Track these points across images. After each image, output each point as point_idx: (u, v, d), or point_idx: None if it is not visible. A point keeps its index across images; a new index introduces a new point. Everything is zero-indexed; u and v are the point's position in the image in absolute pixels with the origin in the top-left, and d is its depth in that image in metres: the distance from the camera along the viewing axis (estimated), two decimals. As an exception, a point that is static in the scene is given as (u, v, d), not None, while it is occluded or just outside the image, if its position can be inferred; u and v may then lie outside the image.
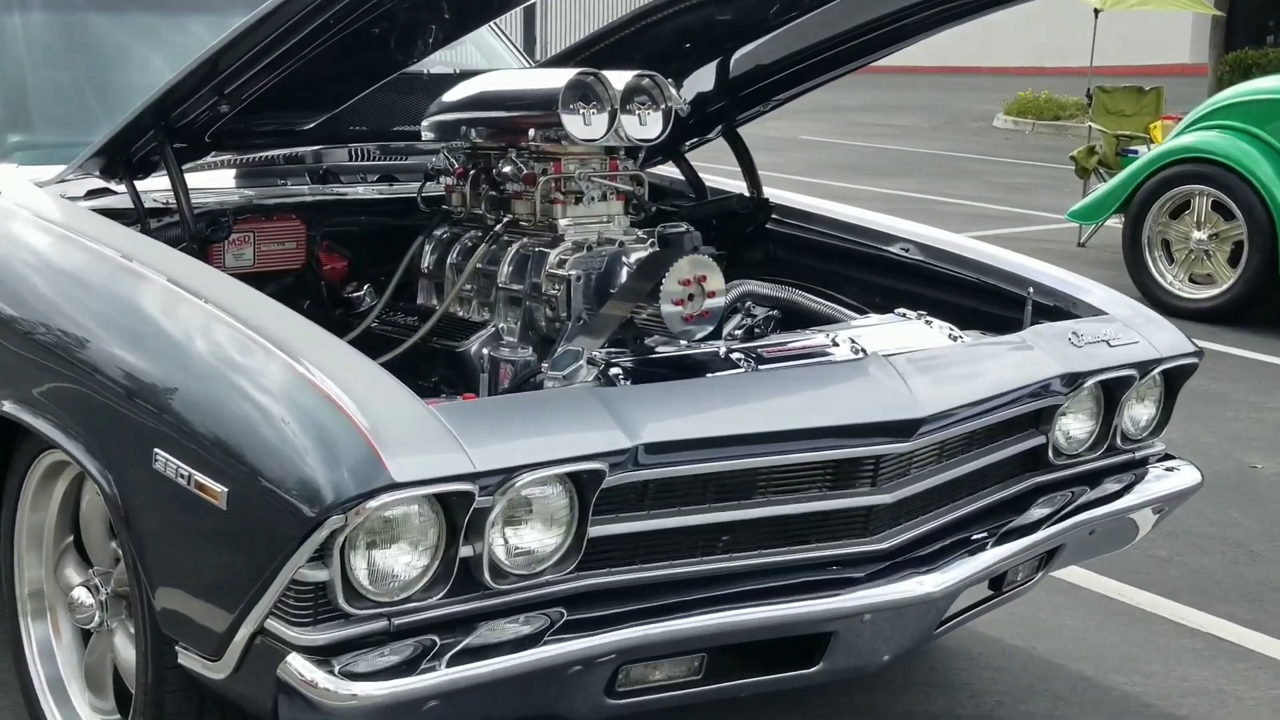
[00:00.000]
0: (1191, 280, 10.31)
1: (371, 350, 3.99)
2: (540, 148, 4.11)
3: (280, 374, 2.82)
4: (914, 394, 3.42)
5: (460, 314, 4.26)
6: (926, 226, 4.92)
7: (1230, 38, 22.16)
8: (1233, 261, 10.01)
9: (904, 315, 4.09)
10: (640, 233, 4.24)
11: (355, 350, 2.98)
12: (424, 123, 4.43)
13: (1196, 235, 10.20)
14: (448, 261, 4.33)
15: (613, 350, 3.67)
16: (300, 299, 4.41)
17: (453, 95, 4.38)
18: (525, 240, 4.15)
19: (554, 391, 3.18)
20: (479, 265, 4.16)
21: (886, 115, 25.99)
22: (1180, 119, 13.69)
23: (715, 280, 3.90)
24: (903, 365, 3.51)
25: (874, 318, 4.13)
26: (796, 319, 4.44)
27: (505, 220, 4.18)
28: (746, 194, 4.98)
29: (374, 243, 4.58)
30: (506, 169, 4.13)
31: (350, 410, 2.69)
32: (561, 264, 4.01)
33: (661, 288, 3.80)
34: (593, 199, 4.13)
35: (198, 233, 3.90)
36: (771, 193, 5.08)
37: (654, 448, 3.06)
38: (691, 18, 4.55)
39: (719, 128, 4.98)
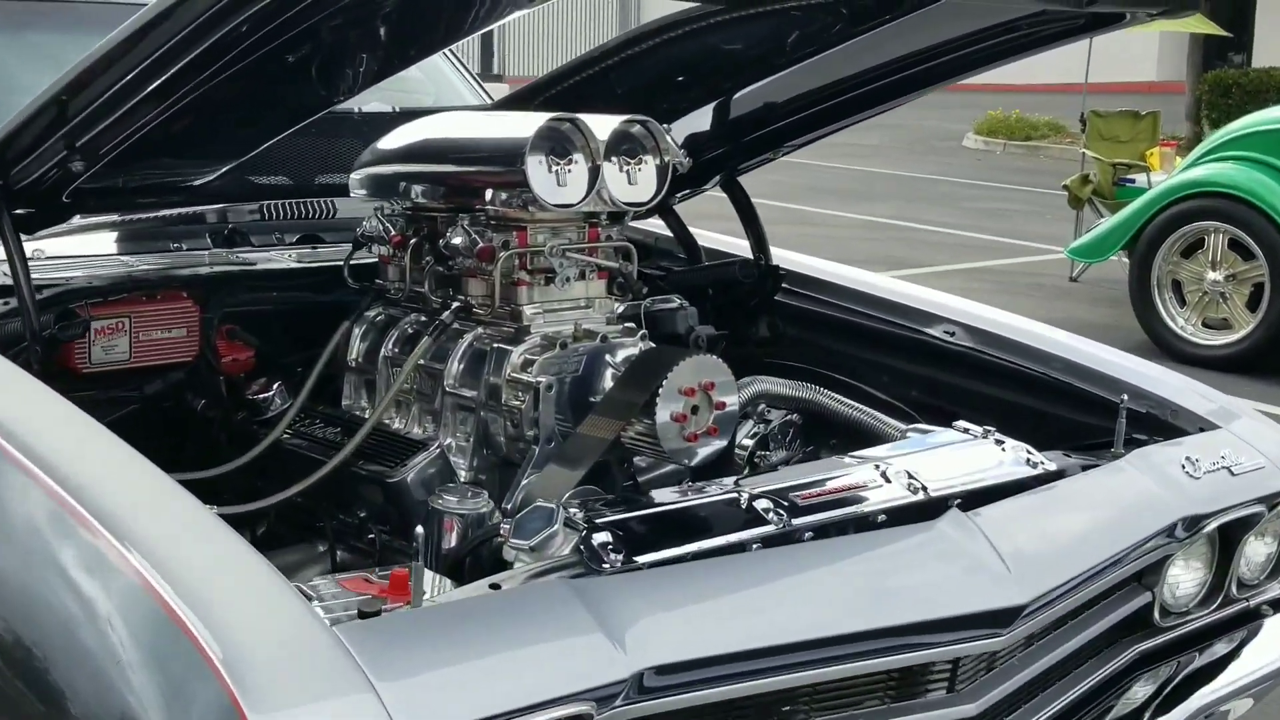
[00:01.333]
0: (1205, 325, 9.47)
1: (283, 471, 3.08)
2: (501, 213, 3.19)
3: (100, 569, 1.88)
4: (1009, 568, 2.52)
5: (396, 424, 3.32)
6: (970, 303, 4.01)
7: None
8: (1252, 305, 9.18)
9: (967, 431, 3.18)
10: (628, 322, 3.32)
11: (220, 523, 2.04)
12: (353, 175, 3.50)
13: (1211, 276, 9.37)
14: (381, 354, 3.39)
15: (592, 497, 2.75)
16: (191, 403, 3.47)
17: (389, 142, 3.45)
18: (481, 332, 3.23)
19: (516, 594, 2.25)
20: (421, 362, 3.23)
21: (854, 134, 25.00)
22: (1177, 145, 12.93)
23: (725, 387, 2.99)
24: (990, 524, 2.60)
25: (927, 436, 3.22)
26: (822, 425, 3.54)
27: (455, 305, 3.24)
28: (751, 258, 4.06)
29: (289, 327, 3.64)
30: (457, 240, 3.20)
31: (198, 632, 1.76)
32: (527, 365, 3.10)
33: (658, 399, 2.89)
34: (568, 279, 3.22)
35: (43, 328, 2.95)
36: (778, 254, 4.16)
37: (664, 670, 2.14)
38: (688, 48, 3.65)
39: (717, 177, 4.05)
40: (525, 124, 3.17)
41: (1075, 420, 3.49)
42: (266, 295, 3.62)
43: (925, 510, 2.80)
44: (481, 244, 3.17)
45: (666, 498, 2.75)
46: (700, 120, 4.02)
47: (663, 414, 2.97)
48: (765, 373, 3.95)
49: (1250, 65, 20.36)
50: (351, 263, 3.52)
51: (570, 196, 3.12)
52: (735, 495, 2.70)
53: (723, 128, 4.02)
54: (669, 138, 3.27)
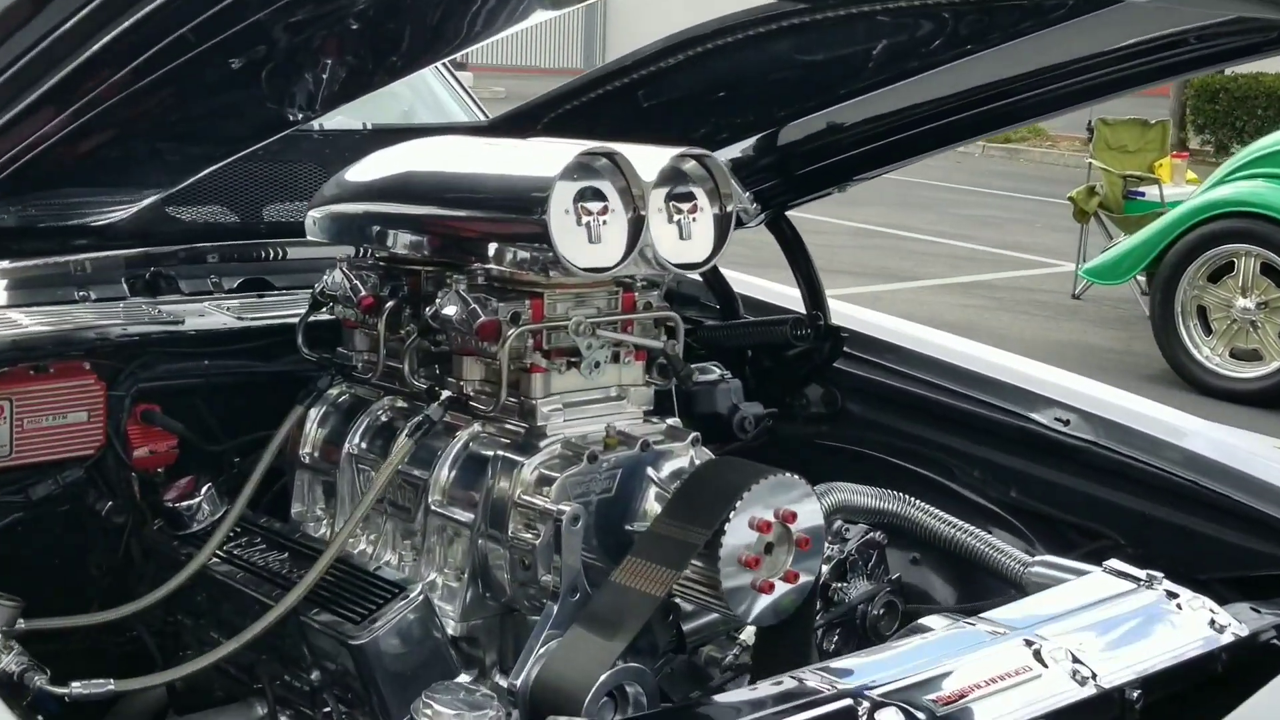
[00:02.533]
0: (1233, 356, 8.75)
1: (210, 604, 2.29)
2: (510, 275, 2.38)
3: None
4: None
5: (362, 547, 2.52)
6: (1081, 380, 3.23)
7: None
8: (1286, 335, 8.48)
9: (1123, 576, 2.40)
10: (673, 419, 2.52)
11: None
12: (311, 212, 2.69)
13: (1241, 303, 8.65)
14: (344, 449, 2.58)
15: (640, 684, 1.97)
16: (94, 507, 2.66)
17: (361, 172, 2.64)
18: (479, 431, 2.44)
19: None
20: (399, 469, 2.42)
21: (826, 131, 24.38)
22: (1189, 156, 12.23)
23: (810, 518, 2.23)
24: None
25: (1068, 581, 2.43)
26: (907, 541, 2.77)
27: (445, 396, 2.43)
28: (803, 314, 3.26)
29: (225, 408, 2.83)
30: (450, 309, 2.40)
31: None
32: (543, 484, 2.31)
33: (723, 537, 2.11)
34: (596, 364, 2.41)
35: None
36: (836, 309, 3.36)
37: None
38: (741, 62, 2.87)
39: (764, 214, 3.25)
40: (544, 156, 2.37)
41: (1236, 545, 2.71)
42: (196, 365, 2.80)
43: (1100, 709, 2.02)
44: (484, 317, 2.35)
45: (752, 701, 1.95)
46: (743, 145, 3.23)
47: (728, 556, 2.18)
48: (818, 461, 3.18)
49: (1237, 71, 19.72)
50: (308, 324, 2.69)
51: (605, 257, 2.32)
52: (850, 703, 1.90)
53: (774, 158, 3.22)
54: (733, 179, 2.47)
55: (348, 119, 3.05)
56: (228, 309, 2.98)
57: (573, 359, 2.42)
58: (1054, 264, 12.49)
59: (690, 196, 2.43)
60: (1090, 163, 11.36)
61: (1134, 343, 9.87)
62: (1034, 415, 3.04)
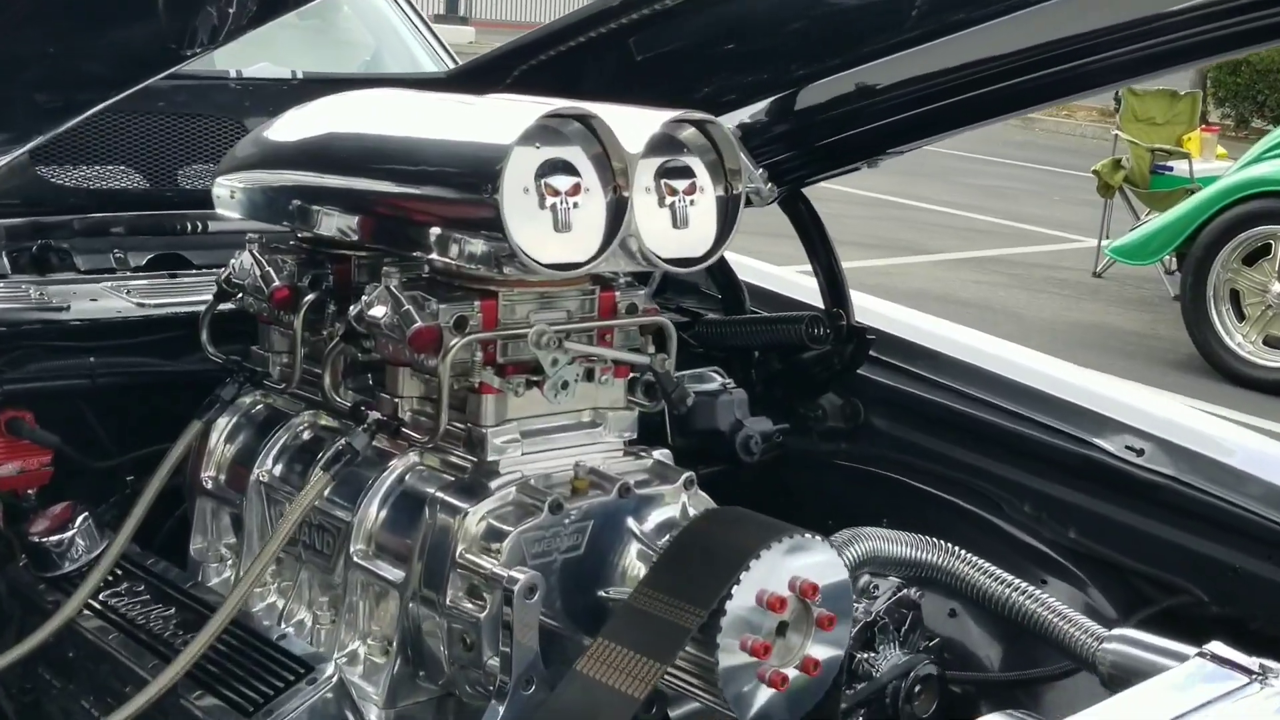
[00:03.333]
0: (1267, 343, 8.22)
1: (81, 664, 1.85)
2: (456, 268, 1.85)
3: None
4: None
5: (270, 600, 2.01)
6: (1158, 398, 2.71)
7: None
8: (1323, 322, 7.96)
9: (1230, 665, 1.88)
10: (661, 451, 2.01)
11: None
12: (219, 180, 2.17)
13: (1277, 288, 8.12)
14: (253, 476, 2.07)
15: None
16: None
17: (279, 131, 2.13)
18: (415, 465, 1.92)
19: None
20: (316, 504, 1.91)
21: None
22: (1219, 130, 11.69)
23: (836, 594, 1.73)
24: None
25: (1160, 669, 1.92)
26: (944, 596, 2.27)
27: (373, 419, 1.92)
28: (822, 311, 2.74)
29: (114, 417, 2.31)
30: (378, 310, 1.87)
31: None
32: (492, 539, 1.80)
33: (723, 616, 1.60)
34: (565, 384, 1.89)
35: None
36: (858, 301, 2.84)
37: None
38: (756, 9, 2.34)
39: (779, 192, 2.71)
40: (499, 117, 1.86)
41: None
42: (80, 363, 2.28)
43: None
44: (420, 322, 1.83)
45: None
46: (753, 110, 2.70)
47: (729, 640, 1.67)
48: (834, 483, 2.69)
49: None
50: (215, 317, 2.18)
51: (577, 250, 1.81)
52: None
53: (790, 125, 2.69)
54: (744, 152, 1.95)
55: (273, 65, 2.51)
56: (129, 292, 2.47)
57: (534, 377, 1.90)
58: (1072, 239, 11.95)
59: (687, 172, 1.92)
60: (1116, 135, 10.81)
61: (1159, 326, 9.35)
62: (1100, 441, 2.51)
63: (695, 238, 1.93)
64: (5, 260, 2.48)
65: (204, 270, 2.59)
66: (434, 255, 1.87)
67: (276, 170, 2.10)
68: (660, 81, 2.60)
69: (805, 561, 1.78)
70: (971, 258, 11.28)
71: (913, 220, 12.67)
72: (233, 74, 2.45)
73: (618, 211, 1.84)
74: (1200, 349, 8.38)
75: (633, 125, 1.86)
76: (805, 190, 2.81)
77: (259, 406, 2.19)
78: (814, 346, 2.75)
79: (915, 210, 13.21)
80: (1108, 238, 9.89)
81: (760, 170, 2.28)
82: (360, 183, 1.97)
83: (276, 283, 2.06)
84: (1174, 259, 8.74)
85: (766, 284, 3.02)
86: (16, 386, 2.22)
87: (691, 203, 1.91)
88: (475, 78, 2.58)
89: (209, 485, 2.17)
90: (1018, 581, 2.18)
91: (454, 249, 1.83)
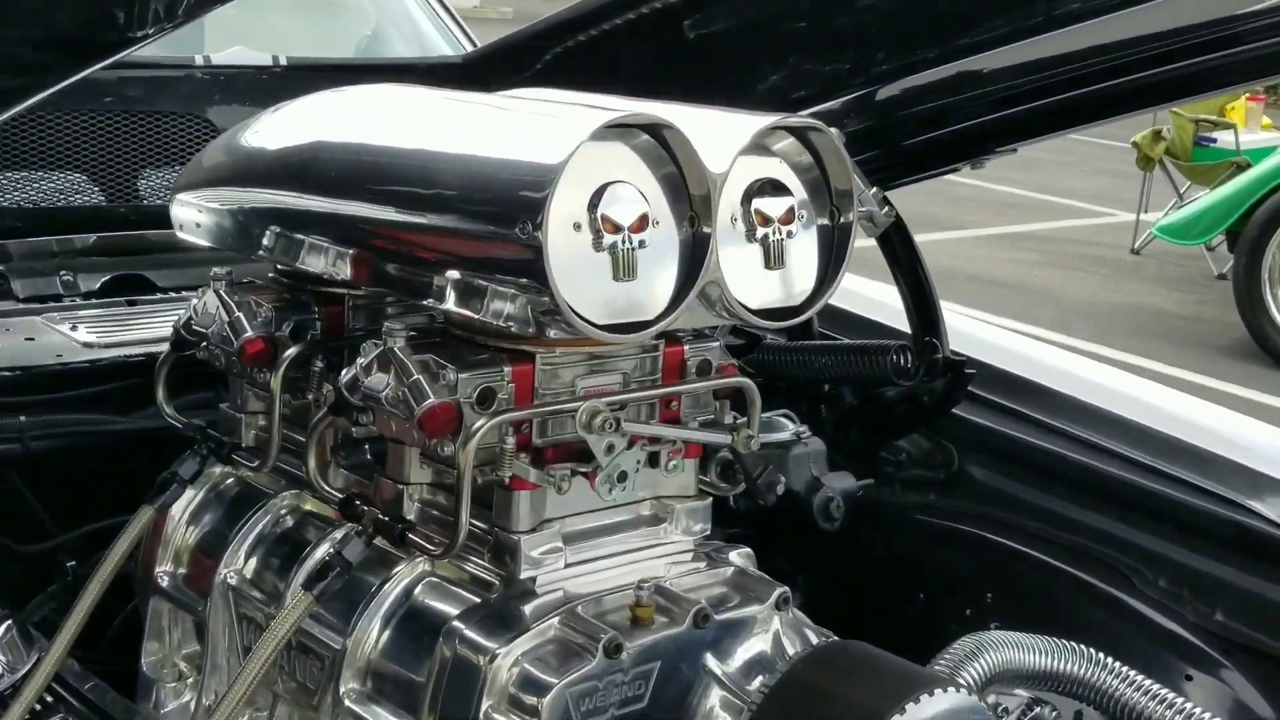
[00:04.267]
0: (1326, 330, 7.75)
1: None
2: (480, 324, 1.38)
3: None
4: None
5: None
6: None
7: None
8: (1388, 308, 7.49)
9: None
10: (743, 553, 1.56)
11: None
12: (176, 198, 1.71)
13: (1341, 269, 7.66)
14: (219, 575, 1.62)
15: None
16: None
17: (250, 138, 1.65)
18: (427, 576, 1.47)
19: None
20: (301, 626, 1.46)
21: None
22: (1266, 99, 11.19)
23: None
24: None
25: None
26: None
27: (369, 516, 1.46)
28: (910, 340, 2.29)
29: (57, 485, 1.86)
30: (375, 379, 1.40)
31: None
32: (528, 692, 1.33)
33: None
34: (621, 476, 1.43)
35: None
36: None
37: None
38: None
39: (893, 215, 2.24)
40: (544, 126, 1.39)
41: None
42: (6, 424, 1.83)
43: None
44: (432, 397, 1.37)
45: None
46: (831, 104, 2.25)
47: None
48: (923, 544, 2.27)
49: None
50: (174, 367, 1.73)
51: (643, 304, 1.35)
52: None
53: (873, 121, 2.24)
54: (856, 168, 1.50)
55: (251, 50, 2.04)
56: (74, 326, 2.02)
57: (581, 467, 1.44)
58: (1108, 213, 11.46)
59: (784, 195, 1.45)
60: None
61: (1204, 307, 8.87)
62: (1254, 504, 2.06)
63: (793, 281, 1.48)
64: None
65: (170, 294, 2.14)
66: (451, 307, 1.42)
67: (250, 188, 1.64)
68: (717, 70, 2.14)
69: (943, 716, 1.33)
70: (1004, 233, 10.81)
71: (942, 192, 12.13)
72: (199, 61, 1.98)
73: (696, 250, 1.39)
74: (1253, 333, 7.91)
75: (713, 134, 1.40)
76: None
77: (229, 481, 1.74)
78: (900, 382, 2.29)
79: (943, 182, 12.65)
80: (1145, 212, 9.42)
81: (873, 189, 1.82)
82: (355, 208, 1.51)
83: (249, 333, 1.60)
84: (1222, 237, 8.27)
85: (841, 301, 2.56)
86: None
87: (789, 235, 1.46)
88: (498, 63, 2.12)
89: (165, 583, 1.73)
90: (1184, 704, 1.73)
91: (478, 302, 1.38)
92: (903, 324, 2.37)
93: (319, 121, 1.59)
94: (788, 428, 2.18)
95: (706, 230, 1.38)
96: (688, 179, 1.38)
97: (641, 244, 1.35)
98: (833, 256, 1.50)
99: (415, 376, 1.41)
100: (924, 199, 3.41)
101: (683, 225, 1.39)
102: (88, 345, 1.97)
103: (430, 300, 1.45)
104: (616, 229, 1.33)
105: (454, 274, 1.40)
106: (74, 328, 2.02)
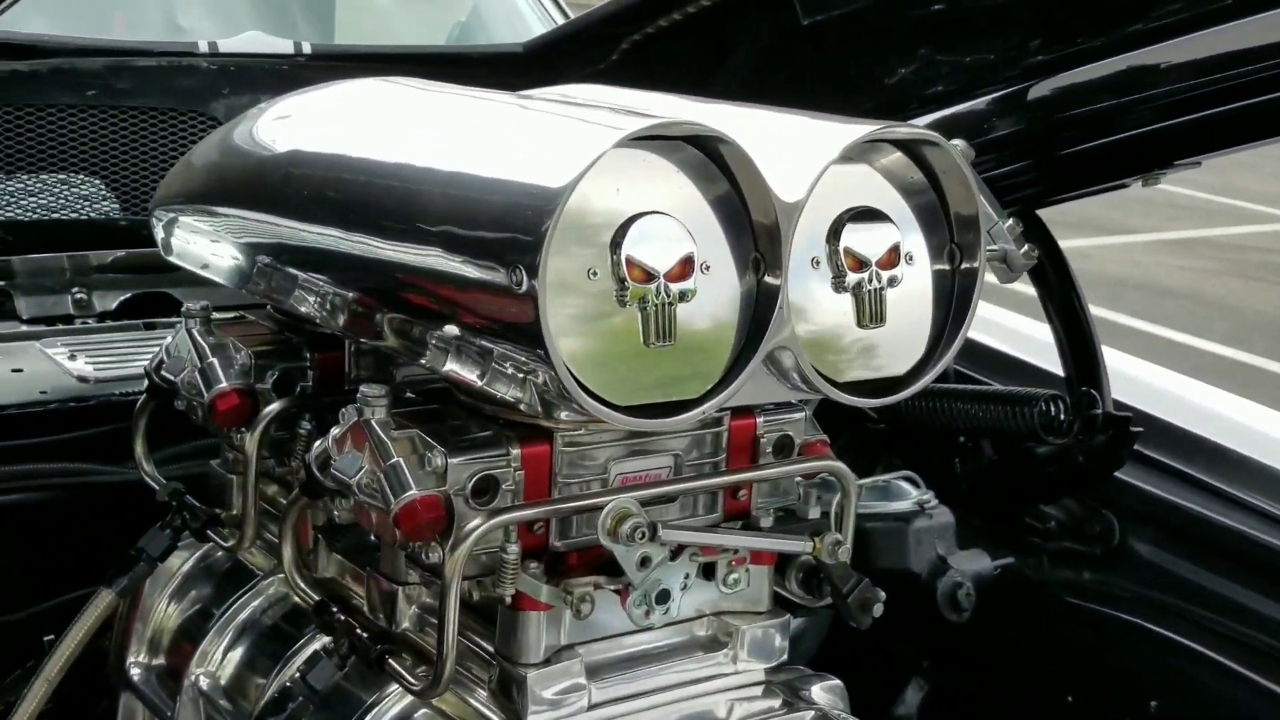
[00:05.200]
0: None
1: None
2: (481, 391, 1.05)
3: None
4: None
5: None
6: None
7: None
8: None
9: None
10: (831, 685, 1.20)
11: None
12: (156, 212, 1.41)
13: None
14: (188, 680, 1.31)
15: None
16: None
17: (237, 140, 1.34)
18: (418, 709, 1.12)
19: None
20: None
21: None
22: None
23: None
24: None
25: None
26: None
27: (343, 641, 1.13)
28: (1069, 391, 1.90)
29: (25, 545, 1.60)
30: (348, 461, 1.08)
31: None
32: None
33: None
34: (663, 600, 1.08)
35: None
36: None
37: None
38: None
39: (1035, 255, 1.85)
40: (561, 133, 1.05)
41: None
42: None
43: None
44: (413, 489, 1.04)
45: None
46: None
47: None
48: (1076, 632, 1.90)
49: None
50: (146, 419, 1.44)
51: (686, 379, 1.01)
52: None
53: (1020, 125, 1.86)
54: (986, 193, 1.15)
55: (268, 35, 1.72)
56: (73, 355, 1.74)
57: (611, 584, 1.10)
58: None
59: (886, 231, 1.10)
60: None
61: None
62: None
63: (897, 343, 1.12)
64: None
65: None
66: (452, 370, 1.09)
67: (224, 206, 1.33)
68: (834, 63, 1.79)
69: None
70: (1177, 239, 10.20)
71: (1108, 195, 11.57)
72: (203, 47, 1.67)
73: (761, 303, 1.04)
74: None
75: (791, 150, 1.05)
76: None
77: (218, 555, 1.44)
78: (1051, 439, 1.91)
79: (1108, 182, 12.11)
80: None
81: (1009, 220, 1.44)
82: (332, 239, 1.19)
83: (222, 384, 1.29)
84: None
85: (977, 333, 2.18)
86: None
87: (891, 282, 1.10)
88: (565, 53, 1.78)
89: (137, 676, 1.43)
90: None
91: (479, 368, 1.05)
92: (1054, 364, 2.00)
93: (299, 126, 1.28)
94: (909, 495, 1.83)
95: (775, 281, 1.03)
96: (750, 207, 1.03)
97: (684, 295, 1.01)
98: (952, 311, 1.14)
99: (394, 460, 1.08)
100: (1088, 200, 2.99)
101: (744, 270, 1.04)
102: (82, 379, 1.69)
103: (427, 361, 1.13)
104: (648, 276, 0.99)
105: (452, 330, 1.08)
106: (73, 356, 1.74)
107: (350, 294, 1.20)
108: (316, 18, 2.26)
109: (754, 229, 1.04)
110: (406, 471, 1.08)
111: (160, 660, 1.45)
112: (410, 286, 1.11)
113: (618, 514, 1.06)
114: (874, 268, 1.10)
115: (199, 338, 1.34)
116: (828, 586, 1.21)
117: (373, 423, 1.10)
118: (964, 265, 1.14)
